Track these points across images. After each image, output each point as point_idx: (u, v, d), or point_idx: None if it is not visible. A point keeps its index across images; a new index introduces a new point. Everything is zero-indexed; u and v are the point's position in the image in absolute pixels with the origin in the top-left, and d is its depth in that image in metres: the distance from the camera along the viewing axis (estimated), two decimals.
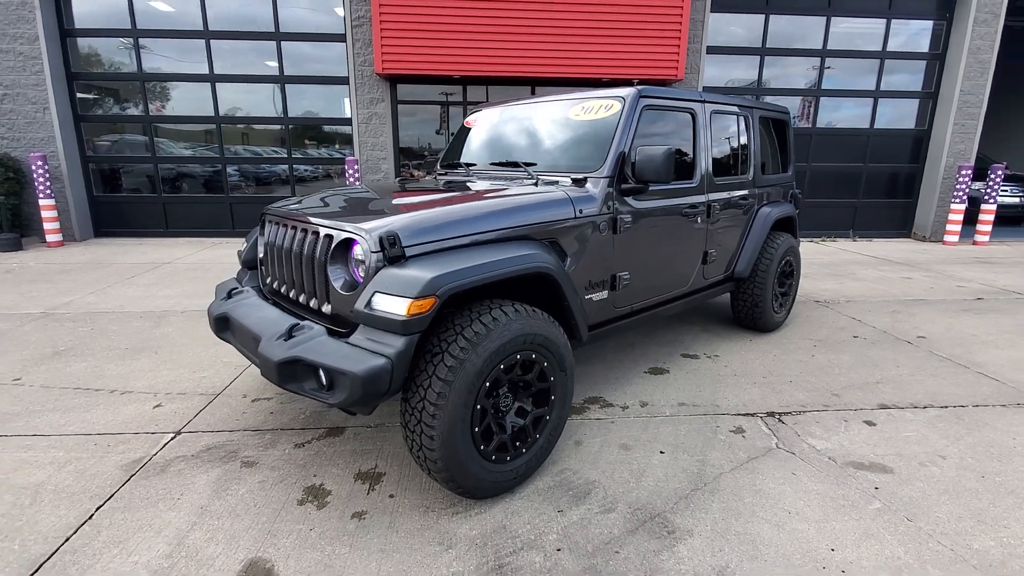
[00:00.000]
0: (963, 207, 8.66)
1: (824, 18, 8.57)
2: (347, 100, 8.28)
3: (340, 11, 7.95)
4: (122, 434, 2.77)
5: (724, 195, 3.71)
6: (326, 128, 8.61)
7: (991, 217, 8.76)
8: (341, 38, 8.02)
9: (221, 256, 7.25)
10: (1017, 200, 10.63)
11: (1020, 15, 10.29)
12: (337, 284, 2.20)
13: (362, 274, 2.15)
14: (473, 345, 2.02)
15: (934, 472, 2.50)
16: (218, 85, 8.11)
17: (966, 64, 8.49)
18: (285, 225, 2.56)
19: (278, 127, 8.41)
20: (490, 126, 3.66)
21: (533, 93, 8.38)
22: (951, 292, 5.82)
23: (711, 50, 8.36)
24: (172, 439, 2.73)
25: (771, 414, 3.04)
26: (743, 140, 3.94)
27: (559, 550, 1.99)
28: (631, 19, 7.63)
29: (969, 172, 8.54)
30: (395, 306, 1.94)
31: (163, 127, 8.30)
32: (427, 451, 2.03)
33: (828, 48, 8.69)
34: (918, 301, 5.44)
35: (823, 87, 8.84)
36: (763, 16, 8.48)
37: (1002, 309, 5.18)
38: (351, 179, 7.78)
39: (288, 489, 2.34)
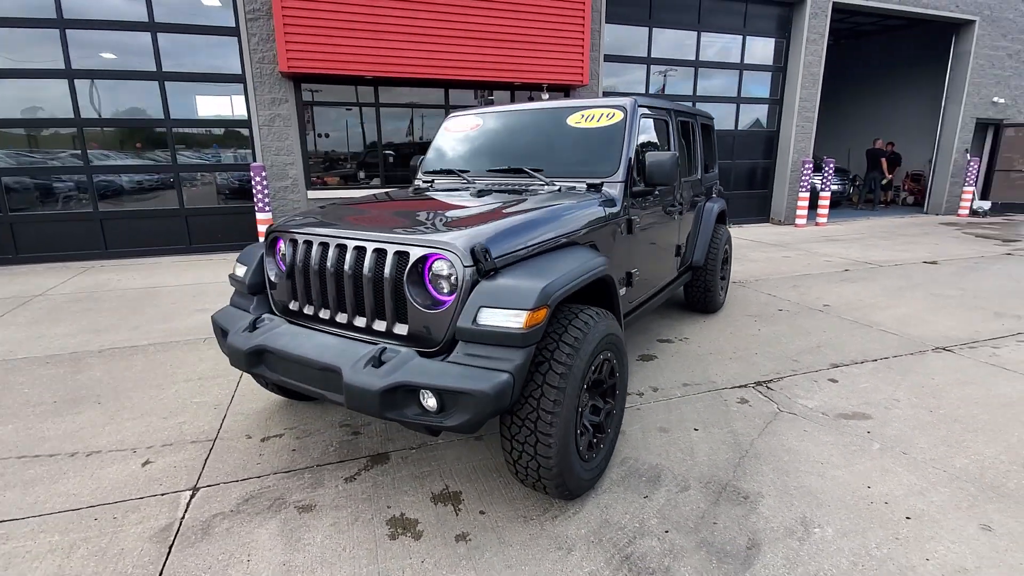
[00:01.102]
0: (808, 195, 10.40)
1: (696, 33, 9.70)
2: (243, 100, 7.50)
3: (227, 2, 7.16)
4: (125, 501, 2.34)
5: (688, 193, 4.13)
6: (217, 131, 7.70)
7: (827, 202, 10.65)
8: (232, 32, 7.23)
9: (106, 282, 6.17)
10: (840, 188, 13.19)
11: (841, 36, 12.59)
12: (418, 302, 2.11)
13: (447, 290, 2.08)
14: (575, 350, 2.08)
15: (899, 413, 3.09)
16: (77, 82, 6.84)
17: (802, 76, 10.20)
18: (324, 244, 2.35)
19: (161, 130, 7.33)
20: (480, 133, 3.66)
21: (447, 97, 8.34)
22: (824, 267, 7.02)
23: (607, 58, 9.02)
24: (193, 497, 2.37)
25: (759, 383, 3.49)
26: (693, 143, 4.40)
27: (667, 531, 2.14)
28: (539, 26, 7.94)
29: (810, 166, 10.28)
30: (510, 320, 1.93)
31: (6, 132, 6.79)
32: (542, 459, 2.05)
33: (700, 59, 9.85)
34: (806, 276, 6.49)
35: (698, 94, 10.01)
36: (647, 29, 9.35)
37: (867, 277, 6.39)
38: (258, 188, 7.08)
39: (369, 526, 2.18)
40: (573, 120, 3.33)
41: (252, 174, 7.05)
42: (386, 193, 3.45)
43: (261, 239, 3.82)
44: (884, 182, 13.12)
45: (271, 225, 2.67)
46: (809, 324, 4.66)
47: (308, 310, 2.45)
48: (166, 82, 7.17)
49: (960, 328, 4.52)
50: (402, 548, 2.06)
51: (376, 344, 2.17)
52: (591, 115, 3.28)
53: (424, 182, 3.67)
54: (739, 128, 10.56)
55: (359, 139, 8.23)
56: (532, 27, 7.90)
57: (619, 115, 3.19)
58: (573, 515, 2.24)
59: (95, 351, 4.06)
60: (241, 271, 2.76)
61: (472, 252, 2.03)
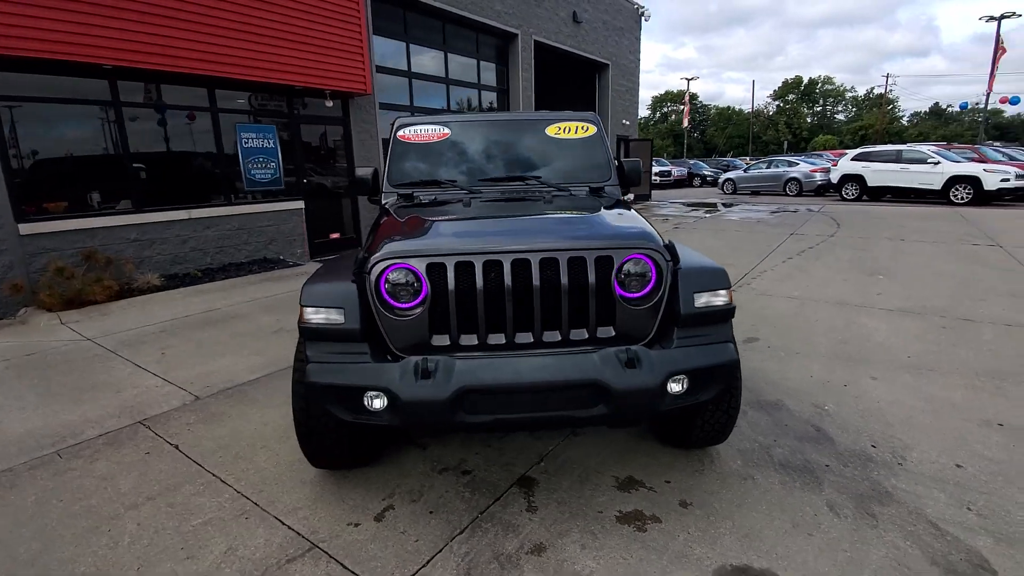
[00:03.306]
0: None
1: (443, 52, 10.51)
2: None
3: None
4: None
5: None
6: None
7: None
8: None
9: None
10: None
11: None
12: (628, 302, 2.22)
13: (651, 285, 2.26)
14: None
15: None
16: None
17: (522, 98, 12.23)
18: (495, 263, 2.14)
19: None
20: (453, 143, 3.54)
21: (213, 95, 6.88)
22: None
23: (379, 69, 8.95)
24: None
25: None
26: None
27: (775, 440, 2.86)
28: (320, 28, 7.34)
29: None
30: (718, 298, 2.28)
31: None
32: (732, 412, 2.48)
33: (450, 78, 10.72)
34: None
35: (451, 109, 10.89)
36: (404, 44, 9.65)
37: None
38: None
39: (613, 529, 2.19)
40: (551, 131, 3.63)
41: None
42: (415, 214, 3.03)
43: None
44: None
45: (375, 254, 2.19)
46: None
47: (467, 340, 2.18)
48: None
49: None
50: (660, 532, 2.19)
51: (574, 354, 2.16)
52: (566, 127, 3.65)
53: (401, 195, 3.34)
54: None
55: (97, 149, 6.05)
56: (312, 28, 7.27)
57: (593, 128, 3.66)
58: (722, 456, 2.73)
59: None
60: (336, 316, 2.16)
61: (669, 248, 2.29)
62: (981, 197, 13.98)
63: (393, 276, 2.19)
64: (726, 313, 2.29)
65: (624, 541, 2.14)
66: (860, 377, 3.61)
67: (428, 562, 2.05)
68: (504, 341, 2.19)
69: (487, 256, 2.15)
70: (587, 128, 3.64)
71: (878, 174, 15.93)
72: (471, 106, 11.42)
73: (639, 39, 16.87)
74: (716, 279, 2.33)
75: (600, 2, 14.39)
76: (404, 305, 2.19)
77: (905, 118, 65.24)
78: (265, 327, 5.00)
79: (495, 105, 12.12)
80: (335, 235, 8.69)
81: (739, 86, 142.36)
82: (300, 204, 7.92)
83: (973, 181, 14.03)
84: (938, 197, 14.77)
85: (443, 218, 2.55)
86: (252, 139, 7.27)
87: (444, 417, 1.97)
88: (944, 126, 60.41)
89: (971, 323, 4.60)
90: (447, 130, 3.57)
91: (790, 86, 70.06)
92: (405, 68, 9.75)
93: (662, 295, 2.25)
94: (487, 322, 2.17)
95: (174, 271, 6.56)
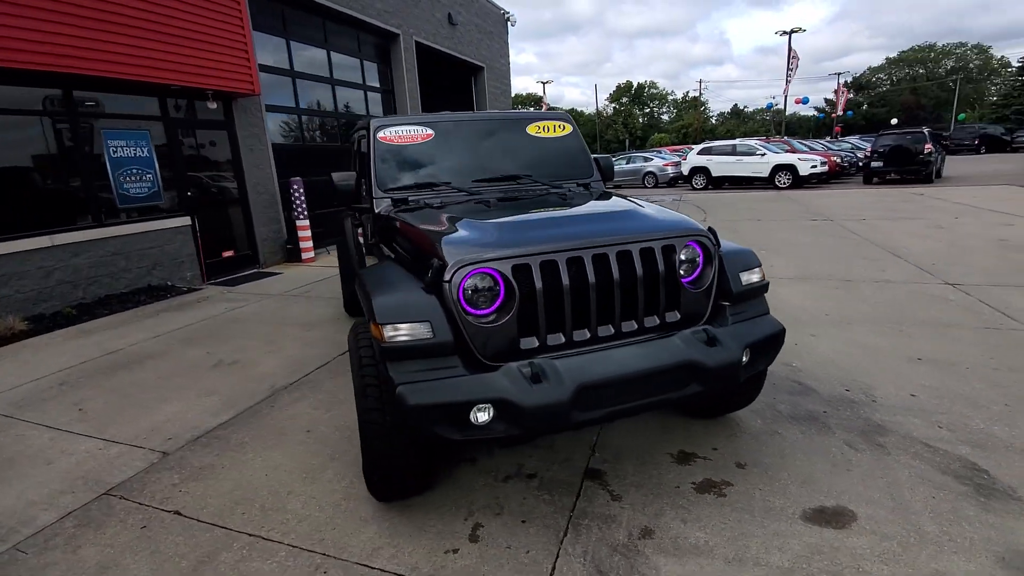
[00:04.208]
0: None
1: (325, 51, 9.83)
2: None
3: None
4: None
5: None
6: None
7: None
8: None
9: None
10: None
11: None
12: (691, 286, 2.38)
13: (702, 269, 2.44)
14: None
15: None
16: None
17: (408, 99, 11.94)
18: (576, 259, 2.15)
19: None
20: (438, 144, 3.40)
21: (69, 96, 5.69)
22: None
23: (261, 68, 8.09)
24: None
25: None
26: None
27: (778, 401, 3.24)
28: (198, 20, 6.44)
29: None
30: (756, 275, 2.55)
31: None
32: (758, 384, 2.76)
33: (335, 77, 10.07)
34: None
35: (338, 110, 10.24)
36: (285, 41, 8.86)
37: None
38: None
39: (700, 497, 2.34)
40: (532, 130, 3.67)
41: None
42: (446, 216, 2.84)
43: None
44: None
45: (453, 261, 2.07)
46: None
47: (556, 339, 2.17)
48: None
49: None
50: (738, 494, 2.38)
51: (657, 340, 2.27)
52: (544, 126, 3.71)
53: (395, 200, 3.15)
54: None
55: None
56: (186, 19, 6.35)
57: (568, 127, 3.77)
58: (743, 419, 3.02)
59: None
60: (423, 330, 2.00)
61: (712, 232, 2.49)
62: (797, 181, 16.86)
63: (471, 282, 2.09)
64: (763, 288, 2.57)
65: (714, 508, 2.30)
66: (803, 336, 4.21)
67: (553, 570, 2.00)
68: (588, 336, 2.21)
69: (570, 252, 2.16)
70: (564, 127, 3.75)
71: (720, 165, 18.38)
72: (350, 109, 10.87)
73: (507, 43, 17.40)
74: (751, 258, 2.58)
75: (471, 5, 14.57)
76: (483, 311, 2.11)
77: (714, 118, 75.88)
78: (198, 363, 4.32)
79: (381, 107, 11.68)
80: (228, 253, 7.73)
81: (576, 89, 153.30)
82: (186, 220, 6.90)
83: (791, 168, 16.87)
84: (766, 183, 17.49)
85: (491, 219, 2.47)
86: (122, 147, 6.15)
87: (565, 418, 1.94)
88: (744, 124, 71.39)
89: (853, 283, 5.60)
90: (431, 131, 3.43)
91: (623, 90, 77.33)
92: (288, 67, 8.97)
93: (714, 277, 2.44)
94: (573, 319, 2.17)
95: (39, 311, 5.33)
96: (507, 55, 17.51)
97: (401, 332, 2.00)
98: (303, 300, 6.19)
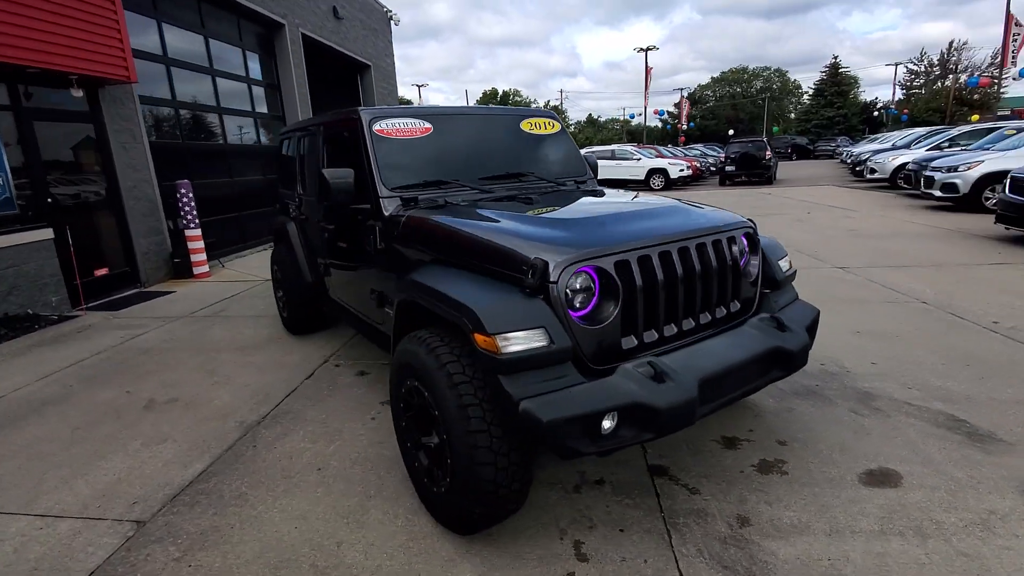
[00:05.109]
0: None
1: (202, 36, 8.60)
2: None
3: None
4: None
5: None
6: None
7: None
8: None
9: None
10: None
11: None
12: (748, 275, 2.47)
13: (745, 258, 2.54)
14: None
15: None
16: None
17: (297, 95, 10.94)
18: (665, 252, 2.12)
19: None
20: (437, 140, 3.12)
21: None
22: None
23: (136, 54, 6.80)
24: None
25: None
26: None
27: None
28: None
29: None
30: (786, 263, 2.72)
31: None
32: None
33: (215, 68, 8.85)
34: None
35: (221, 105, 9.02)
36: (156, 22, 7.57)
37: None
38: None
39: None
40: (526, 127, 3.55)
41: None
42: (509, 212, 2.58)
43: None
44: None
45: (556, 260, 1.92)
46: None
47: (650, 336, 2.12)
48: None
49: None
50: (796, 469, 2.52)
51: (737, 329, 2.32)
52: (536, 123, 3.61)
53: (404, 200, 2.84)
54: (262, 143, 10.27)
55: None
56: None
57: (557, 124, 3.71)
58: (754, 399, 3.21)
59: None
60: (539, 337, 1.81)
61: (753, 222, 2.61)
62: (668, 183, 18.60)
63: (572, 282, 1.96)
64: (794, 275, 2.75)
65: (785, 487, 2.40)
66: None
67: (680, 574, 1.94)
68: (676, 331, 2.19)
69: (661, 247, 2.12)
70: (553, 125, 3.70)
71: (603, 170, 19.59)
72: (234, 105, 9.68)
73: (391, 42, 16.79)
74: (780, 248, 2.76)
75: (355, 0, 13.82)
76: (581, 312, 1.99)
77: (572, 126, 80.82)
78: (121, 406, 3.50)
79: (265, 103, 10.55)
80: (101, 271, 6.39)
81: (440, 95, 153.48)
82: (47, 233, 5.55)
83: (664, 172, 18.56)
84: (641, 185, 19.03)
85: (559, 215, 2.33)
86: None
87: (691, 415, 1.89)
88: (599, 132, 77.04)
89: None
90: (428, 124, 3.16)
91: (489, 97, 79.07)
92: (161, 52, 7.69)
93: (759, 266, 2.56)
94: (654, 318, 2.13)
95: None
96: (392, 54, 16.90)
97: (516, 341, 1.79)
98: (222, 321, 5.34)
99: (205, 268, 7.40)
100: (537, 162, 3.50)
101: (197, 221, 7.22)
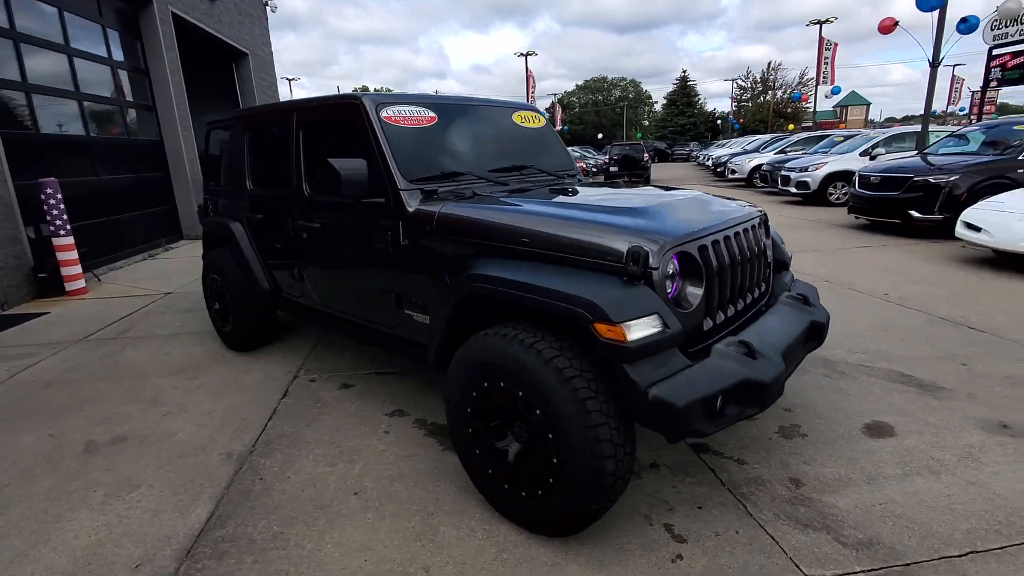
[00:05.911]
0: None
1: (56, 9, 7.12)
2: None
3: None
4: None
5: None
6: None
7: None
8: None
9: None
10: None
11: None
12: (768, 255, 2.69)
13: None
14: None
15: None
16: None
17: (171, 82, 9.57)
18: (726, 238, 2.23)
19: None
20: (441, 129, 2.96)
21: None
22: None
23: None
24: None
25: None
26: None
27: None
28: None
29: None
30: (787, 247, 3.01)
31: None
32: None
33: (73, 47, 7.38)
34: None
35: (82, 91, 7.55)
36: None
37: None
38: None
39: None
40: (517, 119, 3.49)
41: None
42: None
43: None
44: None
45: (654, 246, 1.93)
46: None
47: (719, 317, 2.23)
48: None
49: None
50: (811, 429, 2.80)
51: (775, 306, 2.53)
52: (525, 116, 3.57)
53: (426, 191, 2.65)
54: (130, 136, 8.79)
55: None
56: None
57: (542, 118, 3.70)
58: None
59: None
60: (655, 323, 1.81)
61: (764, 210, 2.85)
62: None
63: (666, 268, 2.00)
64: (790, 257, 3.05)
65: (812, 447, 2.66)
66: None
67: (774, 539, 2.06)
68: (733, 311, 2.32)
69: (724, 232, 2.23)
70: (539, 119, 3.70)
71: None
72: (98, 91, 8.22)
73: (268, 30, 15.39)
74: (777, 233, 3.04)
75: None
76: (670, 297, 2.04)
77: None
78: (54, 453, 2.81)
79: (130, 90, 9.08)
80: None
81: (304, 91, 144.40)
82: None
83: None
84: None
85: (624, 204, 2.34)
86: None
87: (783, 387, 2.01)
88: None
89: None
90: (433, 113, 2.98)
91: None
92: (7, 23, 6.23)
93: (771, 249, 2.81)
94: (721, 301, 2.24)
95: None
96: (269, 43, 15.50)
97: (639, 329, 1.77)
98: (134, 343, 4.51)
99: (80, 283, 6.18)
100: (534, 155, 3.46)
101: (68, 227, 6.01)
